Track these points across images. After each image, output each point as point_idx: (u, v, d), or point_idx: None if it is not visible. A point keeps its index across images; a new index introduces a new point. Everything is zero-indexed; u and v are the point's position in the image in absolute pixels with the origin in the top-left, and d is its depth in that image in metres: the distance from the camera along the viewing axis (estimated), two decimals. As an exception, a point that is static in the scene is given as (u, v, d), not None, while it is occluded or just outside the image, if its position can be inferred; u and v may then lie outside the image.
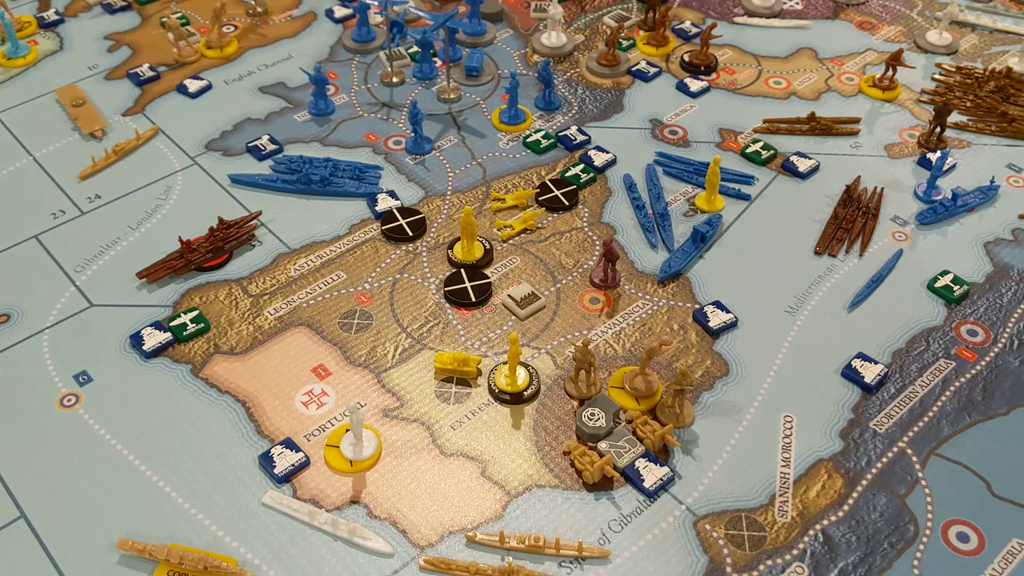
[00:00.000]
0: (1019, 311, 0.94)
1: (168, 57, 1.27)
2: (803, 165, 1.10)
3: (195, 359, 0.89)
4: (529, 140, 1.13)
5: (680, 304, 0.95)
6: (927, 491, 0.80)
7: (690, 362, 0.89)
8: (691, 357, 0.90)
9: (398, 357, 0.90)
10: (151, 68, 1.24)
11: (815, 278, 0.98)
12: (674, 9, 1.37)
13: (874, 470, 0.81)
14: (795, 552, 0.75)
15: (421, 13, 1.35)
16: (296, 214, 1.04)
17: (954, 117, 1.17)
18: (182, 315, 0.92)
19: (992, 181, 1.07)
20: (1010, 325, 0.93)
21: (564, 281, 0.97)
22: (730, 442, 0.83)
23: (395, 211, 1.03)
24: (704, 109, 1.19)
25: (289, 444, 0.82)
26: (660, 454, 0.82)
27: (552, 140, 1.13)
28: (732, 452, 0.82)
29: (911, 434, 0.84)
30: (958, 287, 0.96)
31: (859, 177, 1.08)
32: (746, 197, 1.07)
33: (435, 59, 1.25)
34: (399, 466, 0.81)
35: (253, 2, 1.35)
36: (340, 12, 1.34)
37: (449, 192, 1.07)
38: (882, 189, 1.07)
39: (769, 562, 0.75)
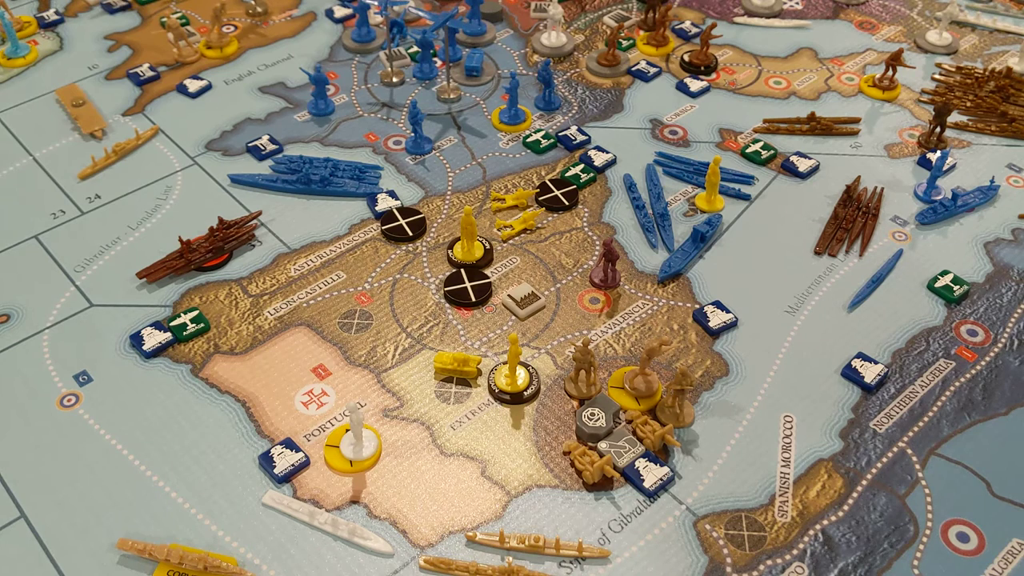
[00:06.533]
0: (1019, 311, 0.94)
1: (168, 57, 1.27)
2: (803, 165, 1.10)
3: (195, 359, 0.89)
4: (529, 140, 1.13)
5: (680, 304, 0.95)
6: (927, 491, 0.80)
7: (690, 362, 0.89)
8: (691, 357, 0.90)
9: (398, 357, 0.90)
10: (151, 68, 1.25)
11: (815, 278, 0.98)
12: (674, 9, 1.37)
13: (874, 470, 0.81)
14: (795, 552, 0.75)
15: (421, 13, 1.35)
16: (296, 214, 1.04)
17: (954, 117, 1.17)
18: (182, 315, 0.92)
19: (992, 181, 1.07)
20: (1010, 325, 0.93)
21: (564, 281, 0.97)
22: (730, 442, 0.83)
23: (395, 211, 1.03)
24: (704, 109, 1.19)
25: (289, 444, 0.82)
26: (660, 454, 0.82)
27: (552, 140, 1.13)
28: (732, 452, 0.82)
29: (911, 434, 0.84)
30: (958, 287, 0.96)
31: (859, 177, 1.08)
32: (746, 197, 1.07)
33: (435, 59, 1.25)
34: (399, 466, 0.81)
35: (253, 2, 1.35)
36: (340, 12, 1.35)
37: (449, 192, 1.07)
38: (882, 189, 1.07)
39: (769, 562, 0.75)
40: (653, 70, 1.24)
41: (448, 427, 0.84)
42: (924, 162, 1.11)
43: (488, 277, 0.96)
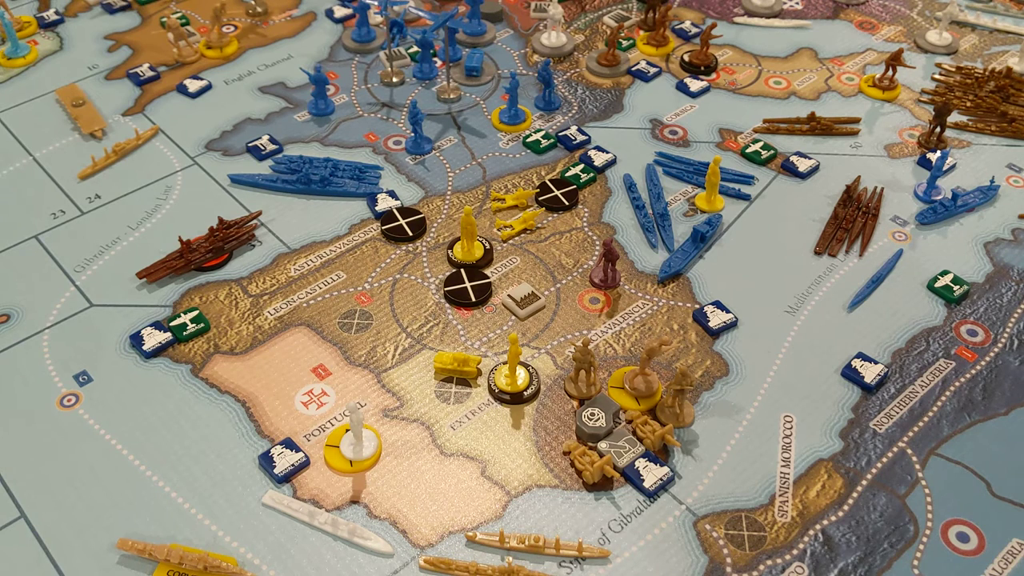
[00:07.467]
0: (1019, 311, 0.94)
1: (168, 57, 1.27)
2: (803, 165, 1.10)
3: (195, 359, 0.89)
4: (529, 140, 1.13)
5: (680, 304, 0.95)
6: (927, 491, 0.80)
7: (690, 362, 0.89)
8: (691, 357, 0.90)
9: (398, 357, 0.90)
10: (151, 68, 1.25)
11: (815, 278, 0.98)
12: (674, 9, 1.37)
13: (874, 470, 0.81)
14: (795, 552, 0.75)
15: (421, 13, 1.35)
16: (296, 214, 1.04)
17: (954, 117, 1.17)
18: (182, 315, 0.92)
19: (992, 181, 1.07)
20: (1010, 325, 0.93)
21: (564, 281, 0.97)
22: (730, 442, 0.83)
23: (395, 211, 1.03)
24: (704, 109, 1.19)
25: (289, 444, 0.82)
26: (660, 454, 0.82)
27: (552, 140, 1.13)
28: (732, 452, 0.82)
29: (911, 434, 0.84)
30: (958, 287, 0.96)
31: (859, 177, 1.08)
32: (746, 197, 1.07)
33: (435, 59, 1.25)
34: (399, 466, 0.81)
35: (253, 2, 1.35)
36: (340, 12, 1.35)
37: (449, 192, 1.07)
38: (882, 189, 1.07)
39: (769, 562, 0.75)
40: (653, 70, 1.24)
41: (448, 427, 0.84)
42: (924, 162, 1.11)
43: (488, 277, 0.96)
